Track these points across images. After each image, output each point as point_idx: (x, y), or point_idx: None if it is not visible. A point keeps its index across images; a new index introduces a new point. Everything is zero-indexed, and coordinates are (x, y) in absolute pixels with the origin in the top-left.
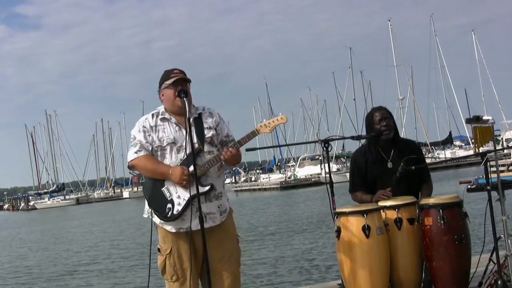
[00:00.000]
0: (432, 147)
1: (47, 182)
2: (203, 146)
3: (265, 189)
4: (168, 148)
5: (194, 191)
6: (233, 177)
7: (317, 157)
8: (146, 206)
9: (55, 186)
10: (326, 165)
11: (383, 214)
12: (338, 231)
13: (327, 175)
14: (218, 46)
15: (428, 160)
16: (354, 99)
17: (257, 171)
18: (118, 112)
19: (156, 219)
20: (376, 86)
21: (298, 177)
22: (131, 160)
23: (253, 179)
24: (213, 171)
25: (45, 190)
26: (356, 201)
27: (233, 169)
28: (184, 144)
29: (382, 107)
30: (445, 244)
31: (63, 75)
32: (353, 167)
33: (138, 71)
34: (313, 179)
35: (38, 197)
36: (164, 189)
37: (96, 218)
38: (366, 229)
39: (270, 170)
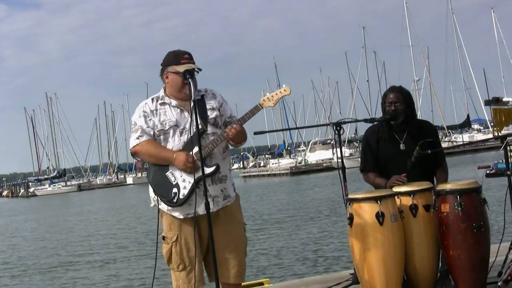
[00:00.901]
0: (449, 130)
1: (48, 167)
2: (206, 127)
3: (274, 175)
4: (171, 131)
5: (199, 174)
6: (241, 162)
7: (328, 141)
8: (151, 194)
9: (56, 172)
10: (338, 149)
11: (397, 200)
12: (351, 218)
13: (339, 160)
14: (224, 26)
15: (444, 145)
16: (367, 81)
17: (266, 156)
18: (121, 95)
19: (163, 206)
20: (391, 67)
21: (309, 162)
22: (133, 147)
23: (262, 164)
24: (218, 152)
25: (46, 176)
26: (368, 182)
27: (241, 153)
28: (187, 126)
29: (397, 88)
30: (463, 232)
31: (64, 56)
32: (365, 146)
33: (142, 52)
34: (324, 164)
35: (38, 184)
36: (168, 173)
37: (98, 206)
38: (380, 216)
39: (280, 155)
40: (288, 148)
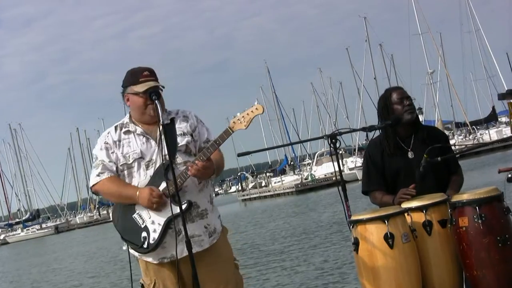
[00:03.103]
0: (473, 127)
1: (19, 209)
2: (174, 156)
3: (278, 195)
4: (135, 165)
5: (170, 213)
6: (239, 183)
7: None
8: None
9: (28, 214)
10: (336, 164)
11: (408, 218)
12: (356, 243)
13: (339, 175)
14: (209, 29)
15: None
16: (374, 78)
17: (267, 174)
18: (96, 119)
19: (133, 252)
20: (400, 60)
21: (316, 177)
22: (93, 185)
23: (263, 184)
24: (192, 185)
25: (17, 220)
26: (375, 203)
27: (239, 174)
28: (154, 157)
29: (400, 87)
30: (486, 247)
31: (28, 79)
32: (367, 162)
33: (117, 67)
34: (334, 178)
35: (9, 229)
36: (135, 215)
37: (75, 249)
38: (389, 238)
39: (283, 172)
40: (291, 163)
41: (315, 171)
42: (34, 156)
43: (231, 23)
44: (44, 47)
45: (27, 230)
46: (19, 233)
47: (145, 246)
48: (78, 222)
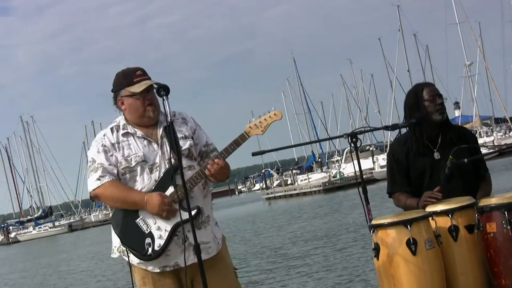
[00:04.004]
0: None
1: (31, 206)
2: (180, 160)
3: (304, 194)
4: (138, 168)
5: (176, 220)
6: (264, 181)
7: (367, 147)
8: (116, 243)
9: (40, 211)
10: (359, 163)
11: (432, 222)
12: (376, 248)
13: (358, 176)
14: (233, 17)
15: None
16: (408, 70)
17: (293, 171)
18: (112, 111)
19: (133, 259)
20: (436, 51)
21: (345, 175)
22: (94, 190)
23: (289, 181)
24: (198, 190)
25: (29, 217)
26: (399, 206)
27: (263, 171)
28: (158, 161)
29: (431, 83)
30: None
31: (40, 70)
32: (391, 163)
33: (135, 57)
34: (364, 176)
35: (21, 227)
36: (139, 220)
37: (88, 249)
38: (411, 244)
39: (310, 169)
40: (319, 159)
41: (344, 169)
42: (47, 150)
43: (255, 11)
44: (57, 36)
45: (39, 228)
46: (31, 231)
47: (149, 253)
48: (93, 220)
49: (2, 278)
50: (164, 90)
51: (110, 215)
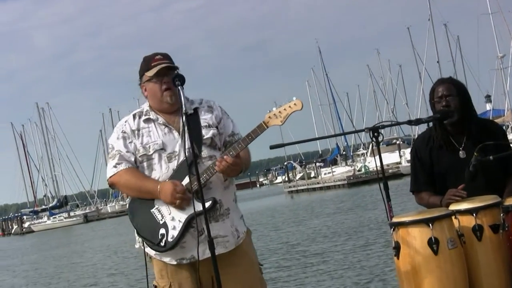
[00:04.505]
0: None
1: (45, 195)
2: (200, 150)
3: (328, 188)
4: (156, 156)
5: (191, 210)
6: (286, 174)
7: (394, 141)
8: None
9: (55, 200)
10: (380, 159)
11: (455, 221)
12: (397, 247)
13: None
14: (253, 4)
15: None
16: (437, 62)
17: (317, 164)
18: (131, 98)
19: (150, 250)
20: (467, 42)
21: (370, 169)
22: (110, 177)
23: (312, 175)
24: (217, 182)
25: (43, 207)
26: (422, 204)
27: (286, 163)
28: (177, 149)
29: (447, 79)
30: None
31: (56, 54)
32: (414, 159)
33: (153, 43)
34: (390, 171)
35: (35, 216)
36: (154, 210)
37: (103, 241)
38: (433, 243)
39: (334, 162)
40: (343, 152)
41: (369, 162)
42: (63, 138)
43: None
44: (73, 19)
45: (53, 218)
46: (45, 221)
47: (162, 244)
48: (109, 211)
49: (13, 270)
50: (179, 79)
51: (127, 206)
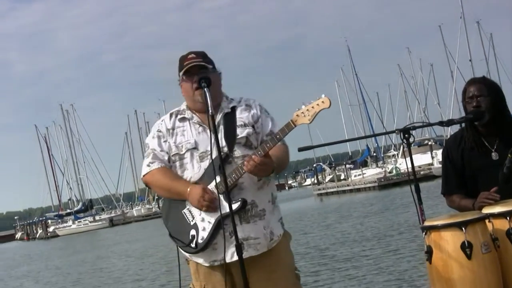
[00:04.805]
0: None
1: (70, 199)
2: (231, 149)
3: (358, 190)
4: (188, 155)
5: (224, 210)
6: (315, 176)
7: (426, 141)
8: None
9: (80, 204)
10: (412, 160)
11: (489, 225)
12: (429, 251)
13: (411, 173)
14: (284, 1)
15: None
16: (470, 60)
17: (347, 166)
18: (156, 100)
19: (184, 252)
20: (500, 41)
21: (401, 171)
22: (143, 176)
23: (342, 177)
24: (250, 182)
25: (68, 211)
26: (453, 207)
27: (315, 165)
28: (208, 149)
29: (479, 79)
30: None
31: (82, 56)
32: (446, 161)
33: (180, 43)
34: (422, 172)
35: (60, 220)
36: (185, 211)
37: (129, 246)
38: (466, 248)
39: (364, 164)
40: (374, 154)
41: (400, 164)
42: (88, 141)
43: None
44: (99, 20)
45: (78, 222)
46: (70, 225)
47: (192, 245)
48: (135, 214)
49: (34, 275)
50: (205, 81)
51: (153, 209)
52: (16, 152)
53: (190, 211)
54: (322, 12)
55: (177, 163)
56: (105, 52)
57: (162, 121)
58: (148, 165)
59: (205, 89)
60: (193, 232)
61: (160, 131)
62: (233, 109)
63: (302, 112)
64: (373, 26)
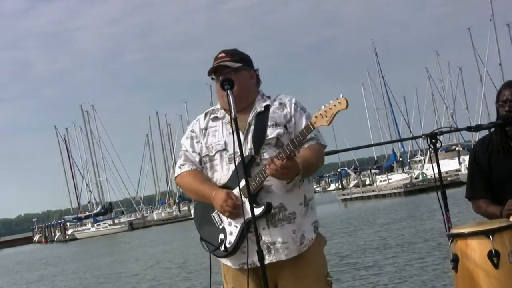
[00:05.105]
0: None
1: (89, 202)
2: (257, 152)
3: (383, 196)
4: (217, 157)
5: (248, 215)
6: (340, 181)
7: (453, 147)
8: None
9: (100, 207)
10: (438, 166)
11: None
12: (455, 260)
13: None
14: (313, 2)
15: None
16: (499, 64)
17: (372, 171)
18: (179, 102)
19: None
20: None
21: (428, 177)
22: (175, 177)
23: (367, 182)
24: (278, 184)
25: (87, 213)
26: (479, 212)
27: (339, 170)
28: (237, 150)
29: None
30: None
31: (104, 56)
32: (473, 165)
33: (206, 44)
34: (449, 178)
35: (78, 223)
36: (214, 214)
37: (148, 250)
38: (493, 256)
39: (390, 169)
40: (400, 159)
41: (427, 170)
42: (108, 142)
43: None
44: (123, 19)
45: (97, 225)
46: (89, 229)
47: (221, 249)
48: (155, 218)
49: (49, 279)
50: (228, 82)
51: (174, 213)
52: (35, 153)
53: (218, 215)
54: (352, 15)
55: (208, 165)
56: (127, 52)
57: (197, 120)
58: (180, 167)
59: (228, 91)
60: (221, 236)
61: (193, 131)
62: (267, 107)
63: (321, 114)
64: (401, 28)
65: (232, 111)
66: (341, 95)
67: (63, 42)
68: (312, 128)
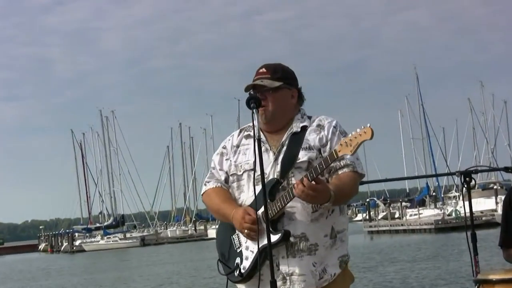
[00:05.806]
0: None
1: (101, 212)
2: (283, 175)
3: (412, 231)
4: (245, 177)
5: (265, 240)
6: (367, 211)
7: (491, 185)
8: None
9: (111, 219)
10: (471, 207)
11: None
12: None
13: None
14: (352, 19)
15: None
16: None
17: (403, 204)
18: (204, 115)
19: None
20: None
21: (462, 215)
22: (202, 194)
23: (396, 215)
24: (302, 212)
25: (98, 225)
26: (510, 261)
27: (368, 199)
28: (267, 171)
29: None
30: None
31: (129, 60)
32: (507, 210)
33: (236, 56)
34: (484, 218)
35: (88, 234)
36: (234, 236)
37: (157, 269)
38: None
39: (422, 203)
40: (434, 193)
41: (461, 207)
42: (126, 151)
43: (379, 15)
44: (152, 23)
45: (107, 238)
46: (98, 241)
47: (236, 273)
48: (169, 235)
49: None
50: (255, 101)
51: (189, 231)
52: (48, 156)
53: (238, 237)
54: (393, 35)
55: (235, 184)
56: (154, 57)
57: (231, 136)
58: (205, 184)
59: (253, 110)
60: (238, 260)
61: (225, 148)
62: (304, 128)
63: (346, 142)
64: (445, 54)
65: (255, 131)
66: (368, 125)
67: (88, 41)
68: (335, 157)
